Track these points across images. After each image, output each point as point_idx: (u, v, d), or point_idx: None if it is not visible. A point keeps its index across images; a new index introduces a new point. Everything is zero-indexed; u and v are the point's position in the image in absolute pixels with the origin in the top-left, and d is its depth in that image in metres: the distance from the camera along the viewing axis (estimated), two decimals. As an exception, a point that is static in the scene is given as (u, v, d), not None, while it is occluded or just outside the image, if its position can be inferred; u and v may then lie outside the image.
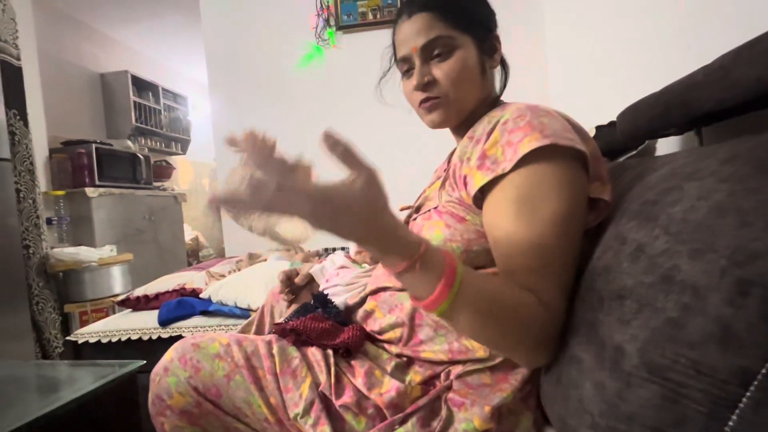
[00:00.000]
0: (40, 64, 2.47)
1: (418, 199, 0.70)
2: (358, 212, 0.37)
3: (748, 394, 0.27)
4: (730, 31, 0.70)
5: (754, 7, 0.65)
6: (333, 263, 0.87)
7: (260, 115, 2.19)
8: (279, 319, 0.87)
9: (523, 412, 0.56)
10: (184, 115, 4.17)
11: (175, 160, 4.13)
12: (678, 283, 0.33)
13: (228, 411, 0.58)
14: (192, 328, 1.26)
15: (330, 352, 0.60)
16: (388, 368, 0.59)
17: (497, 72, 0.69)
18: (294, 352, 0.61)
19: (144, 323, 1.30)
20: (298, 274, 0.87)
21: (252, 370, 0.59)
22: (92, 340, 1.29)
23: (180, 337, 1.23)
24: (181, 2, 3.02)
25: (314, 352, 0.61)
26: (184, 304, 1.33)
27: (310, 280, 0.87)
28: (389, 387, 0.56)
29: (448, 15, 0.60)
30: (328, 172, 0.37)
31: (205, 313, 1.32)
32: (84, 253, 2.23)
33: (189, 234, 3.89)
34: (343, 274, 0.78)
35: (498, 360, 0.55)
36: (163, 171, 3.72)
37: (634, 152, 0.87)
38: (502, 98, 0.69)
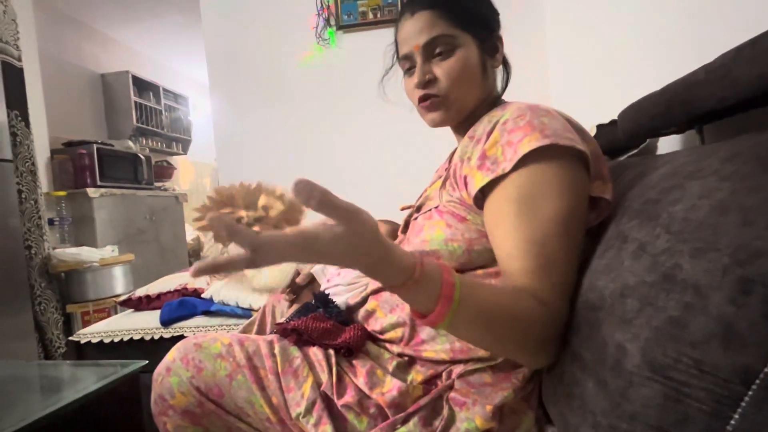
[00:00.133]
0: (41, 65, 2.47)
1: (419, 198, 0.70)
2: (347, 251, 0.37)
3: (750, 392, 0.27)
4: (731, 29, 0.70)
5: (755, 5, 0.65)
6: (334, 263, 0.87)
7: (260, 114, 2.19)
8: (280, 319, 0.87)
9: (524, 411, 0.56)
10: (184, 115, 4.18)
11: (176, 160, 4.13)
12: (680, 282, 0.33)
13: (230, 411, 0.58)
14: (194, 328, 1.26)
15: (331, 351, 0.61)
16: (390, 368, 0.59)
17: (499, 71, 0.69)
18: (295, 352, 0.61)
19: (146, 323, 1.30)
20: (299, 273, 0.87)
21: (254, 370, 0.59)
22: (94, 340, 1.29)
23: (182, 337, 1.24)
24: (181, 2, 3.03)
25: (316, 352, 0.61)
26: (185, 304, 1.34)
27: (312, 280, 0.87)
28: (391, 386, 0.56)
29: (450, 14, 0.60)
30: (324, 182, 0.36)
31: (207, 313, 1.32)
32: (86, 253, 2.24)
33: (190, 234, 3.90)
34: (344, 274, 0.79)
35: (500, 359, 0.55)
36: (164, 171, 3.73)
37: (635, 151, 0.86)
38: (503, 97, 0.69)
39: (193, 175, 4.53)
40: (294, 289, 0.86)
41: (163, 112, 3.81)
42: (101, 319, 1.82)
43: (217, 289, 1.35)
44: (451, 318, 0.41)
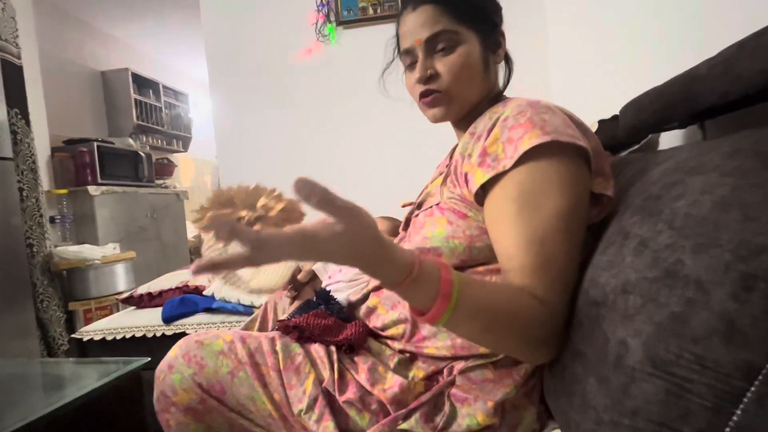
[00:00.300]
0: (41, 63, 2.47)
1: (420, 194, 0.70)
2: (345, 250, 0.37)
3: (752, 388, 0.27)
4: (733, 24, 0.69)
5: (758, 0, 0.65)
6: (335, 260, 0.87)
7: (261, 111, 2.19)
8: (282, 316, 0.88)
9: (526, 407, 0.57)
10: (185, 113, 4.18)
11: (176, 158, 4.14)
12: (682, 277, 0.33)
13: (232, 407, 0.59)
14: (195, 325, 1.27)
15: (333, 348, 0.61)
16: (391, 364, 0.59)
17: (500, 67, 0.68)
18: (297, 349, 0.61)
19: (148, 321, 1.31)
20: (300, 270, 0.88)
21: (256, 367, 0.59)
22: (97, 338, 1.30)
23: (184, 334, 1.24)
24: (180, 0, 3.01)
25: (317, 349, 0.61)
26: (187, 302, 1.34)
27: (313, 277, 0.87)
28: (392, 383, 0.57)
29: (453, 8, 0.60)
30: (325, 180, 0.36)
31: (209, 310, 1.33)
32: (87, 251, 2.25)
33: (191, 231, 3.90)
34: (345, 271, 0.79)
35: (501, 355, 0.56)
36: (165, 168, 3.73)
37: (636, 146, 0.86)
38: (504, 93, 0.69)
39: (194, 173, 4.53)
40: (295, 286, 0.86)
41: (164, 109, 3.81)
42: (103, 316, 1.83)
43: (219, 287, 1.35)
44: (449, 316, 0.41)
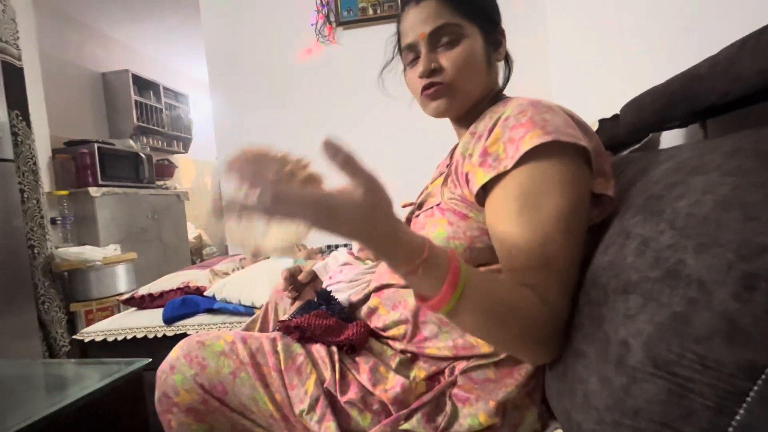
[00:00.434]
0: (41, 65, 2.47)
1: (420, 195, 0.70)
2: (359, 220, 0.37)
3: (755, 387, 0.27)
4: (734, 22, 0.69)
5: (760, -3, 0.65)
6: (336, 260, 0.87)
7: (261, 111, 2.19)
8: (283, 317, 0.88)
9: (528, 407, 0.57)
10: (185, 114, 4.18)
11: (177, 159, 4.14)
12: (684, 277, 0.33)
13: (234, 408, 0.59)
14: (197, 326, 1.27)
15: (334, 348, 0.61)
16: (393, 364, 0.59)
17: (500, 66, 0.68)
18: (298, 349, 0.61)
19: (149, 321, 1.31)
20: (301, 271, 0.88)
21: (257, 367, 0.59)
22: (98, 339, 1.30)
23: (185, 335, 1.24)
24: (180, 1, 3.02)
25: (318, 349, 0.61)
26: (188, 302, 1.34)
27: (314, 277, 0.87)
28: (394, 383, 0.57)
29: (456, 3, 0.60)
30: (332, 176, 0.37)
31: (210, 311, 1.33)
32: (88, 252, 2.25)
33: (192, 232, 3.91)
34: (346, 271, 0.79)
35: (502, 355, 0.56)
36: (166, 170, 3.73)
37: (637, 146, 0.86)
38: (504, 93, 0.69)
39: (194, 174, 4.54)
40: (296, 287, 0.86)
41: (164, 110, 3.81)
42: (105, 317, 1.83)
43: (220, 287, 1.35)
44: (454, 303, 0.41)
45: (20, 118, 2.08)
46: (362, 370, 0.58)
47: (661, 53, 0.94)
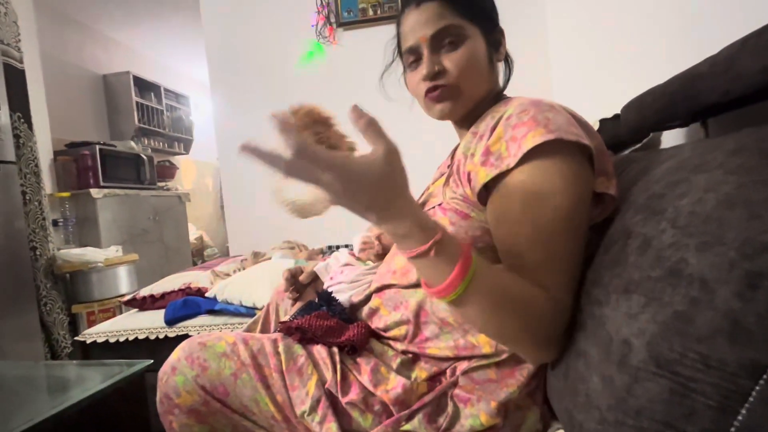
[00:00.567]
0: (42, 67, 2.48)
1: (422, 195, 0.70)
2: (380, 186, 0.38)
3: (758, 387, 0.27)
4: (735, 22, 0.69)
5: (760, -5, 0.64)
6: (337, 261, 0.87)
7: (262, 112, 2.18)
8: (284, 317, 0.88)
9: (529, 407, 0.56)
10: (186, 115, 4.18)
11: (178, 160, 4.14)
12: (686, 276, 0.32)
13: (235, 409, 0.59)
14: (198, 327, 1.27)
15: (335, 349, 0.61)
16: (394, 365, 0.59)
17: (500, 67, 0.68)
18: (300, 350, 0.61)
19: (151, 323, 1.31)
20: (302, 272, 0.88)
21: (258, 369, 0.59)
22: (100, 340, 1.30)
23: (186, 336, 1.24)
24: (181, 3, 3.02)
25: (320, 350, 0.61)
26: (189, 304, 1.34)
27: (315, 278, 0.87)
28: (395, 384, 0.57)
29: (457, 4, 0.60)
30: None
31: (211, 312, 1.33)
32: (90, 254, 2.25)
33: (193, 233, 3.91)
34: (347, 272, 0.79)
35: (504, 356, 0.55)
36: (167, 171, 3.73)
37: (639, 145, 0.86)
38: (505, 93, 0.69)
39: (195, 175, 4.54)
40: (297, 288, 0.86)
41: (165, 112, 3.82)
42: (106, 319, 1.83)
43: (221, 288, 1.35)
44: (465, 287, 0.41)
45: (22, 120, 2.08)
46: (363, 370, 0.58)
47: (662, 53, 0.94)
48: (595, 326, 0.42)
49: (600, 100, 1.30)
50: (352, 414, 0.56)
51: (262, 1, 2.18)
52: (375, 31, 2.08)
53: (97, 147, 2.69)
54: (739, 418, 0.28)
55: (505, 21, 0.67)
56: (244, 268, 1.63)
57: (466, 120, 0.64)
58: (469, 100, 0.62)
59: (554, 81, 1.93)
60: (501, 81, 0.69)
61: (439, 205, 0.59)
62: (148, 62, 3.93)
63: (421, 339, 0.59)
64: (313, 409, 0.56)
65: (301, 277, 0.86)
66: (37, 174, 2.13)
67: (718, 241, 0.31)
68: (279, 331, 0.65)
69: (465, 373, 0.56)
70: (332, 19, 2.12)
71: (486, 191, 0.52)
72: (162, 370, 0.61)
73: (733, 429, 0.28)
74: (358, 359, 0.60)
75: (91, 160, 2.67)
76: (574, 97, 1.59)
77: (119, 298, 2.19)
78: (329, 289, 0.75)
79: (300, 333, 0.63)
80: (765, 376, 0.27)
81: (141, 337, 1.28)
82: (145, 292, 1.49)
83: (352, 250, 0.90)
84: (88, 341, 1.31)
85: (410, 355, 0.60)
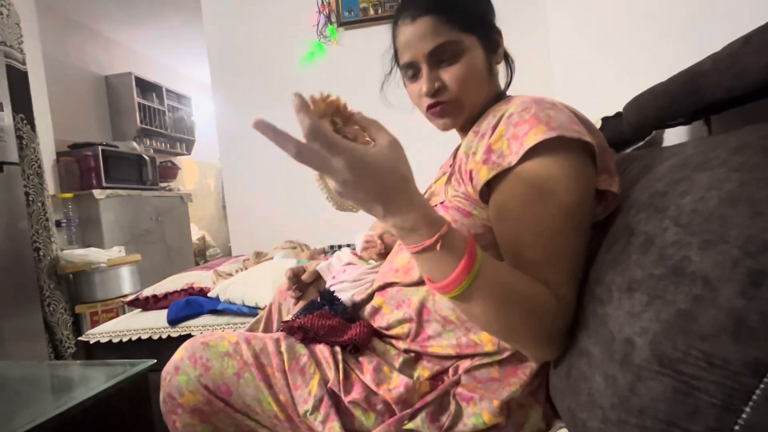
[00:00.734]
0: (45, 68, 2.49)
1: (424, 194, 0.70)
2: (389, 176, 0.38)
3: (761, 385, 0.27)
4: (737, 20, 0.69)
5: (763, -8, 0.64)
6: (339, 260, 0.87)
7: (263, 113, 2.17)
8: (287, 317, 0.88)
9: (532, 406, 0.56)
10: (188, 116, 4.19)
11: (180, 161, 4.15)
12: (689, 274, 0.32)
13: (238, 408, 0.59)
14: (201, 326, 1.27)
15: (338, 348, 0.61)
16: (396, 364, 0.59)
17: (501, 65, 0.68)
18: (302, 350, 0.61)
19: (154, 323, 1.31)
20: (304, 271, 0.88)
21: (261, 368, 0.59)
22: (103, 340, 1.30)
23: (189, 336, 1.24)
24: (182, 3, 3.03)
25: (322, 349, 0.61)
26: (192, 304, 1.34)
27: (317, 277, 0.87)
28: (398, 383, 0.57)
29: (452, 17, 0.58)
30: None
31: (214, 311, 1.33)
32: (93, 254, 2.26)
33: (196, 234, 3.92)
34: (349, 271, 0.79)
35: (506, 354, 0.55)
36: (169, 171, 3.74)
37: (641, 143, 0.85)
38: (507, 91, 0.68)
39: (197, 176, 4.55)
40: (300, 287, 0.86)
41: (167, 112, 3.83)
42: (109, 319, 1.84)
43: (223, 288, 1.36)
44: (470, 282, 0.41)
45: (25, 121, 2.09)
46: (366, 369, 0.58)
47: (664, 50, 0.93)
48: (598, 325, 0.42)
49: (602, 98, 1.29)
50: (355, 413, 0.56)
51: (263, 1, 2.19)
52: (376, 31, 2.08)
53: (100, 148, 2.70)
54: (743, 416, 0.28)
55: (506, 19, 0.66)
56: (246, 268, 1.63)
57: (468, 121, 0.64)
58: (471, 110, 0.62)
59: (556, 79, 1.92)
60: (502, 78, 0.69)
61: (441, 203, 0.59)
62: (149, 63, 3.94)
63: (423, 337, 0.59)
64: (316, 408, 0.56)
65: (304, 277, 0.86)
66: (40, 175, 2.14)
67: (721, 239, 0.31)
68: (281, 331, 0.65)
69: (467, 371, 0.56)
70: (333, 19, 2.12)
71: (488, 189, 0.52)
72: (165, 369, 0.61)
73: (737, 427, 0.28)
74: (361, 358, 0.60)
75: (94, 161, 2.68)
76: (576, 95, 1.59)
77: (122, 299, 2.20)
78: (331, 289, 0.75)
79: (302, 332, 0.63)
80: (769, 375, 0.27)
81: (144, 337, 1.28)
82: (147, 292, 1.50)
83: (354, 249, 0.90)
84: (92, 341, 1.31)
85: (413, 354, 0.60)
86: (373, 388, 0.57)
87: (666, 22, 0.92)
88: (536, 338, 0.46)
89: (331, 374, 0.58)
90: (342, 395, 0.56)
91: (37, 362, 1.72)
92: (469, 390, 0.56)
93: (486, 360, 0.56)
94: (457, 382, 0.57)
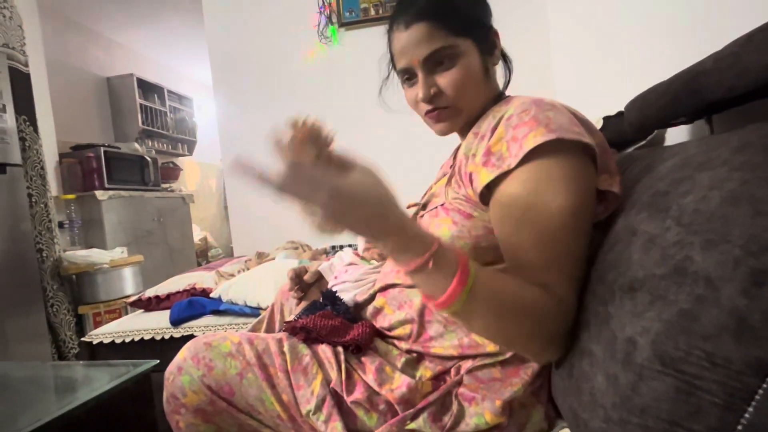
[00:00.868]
0: (47, 70, 2.50)
1: (425, 195, 0.70)
2: (374, 201, 0.39)
3: (764, 385, 0.27)
4: (740, 17, 0.69)
5: (765, -10, 0.64)
6: (341, 260, 0.88)
7: (265, 113, 2.20)
8: (289, 317, 0.88)
9: (534, 406, 0.56)
10: (189, 117, 4.20)
11: (181, 162, 4.16)
12: (691, 274, 0.32)
13: (241, 408, 0.59)
14: (203, 327, 1.27)
15: (340, 349, 0.61)
16: (399, 364, 0.59)
17: (500, 65, 0.68)
18: (305, 350, 0.61)
19: (156, 323, 1.32)
20: (306, 271, 0.88)
21: (264, 368, 0.59)
22: (106, 341, 1.31)
23: (192, 336, 1.25)
24: (183, 4, 3.04)
25: (324, 350, 0.61)
26: (194, 304, 1.35)
27: (319, 278, 0.87)
28: (400, 383, 0.57)
29: (446, 23, 0.58)
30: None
31: (216, 312, 1.33)
32: (96, 255, 2.27)
33: (198, 234, 3.93)
34: (351, 271, 0.79)
35: (508, 354, 0.55)
36: (171, 172, 3.75)
37: (643, 142, 0.85)
38: (506, 92, 0.68)
39: (199, 176, 4.56)
40: (302, 287, 0.87)
41: (168, 113, 3.83)
42: (112, 319, 1.84)
43: (226, 289, 1.36)
44: (465, 298, 0.41)
45: (27, 123, 2.10)
46: (368, 370, 0.58)
47: (665, 49, 0.93)
48: (600, 325, 0.42)
49: (603, 98, 1.29)
50: (357, 413, 0.56)
51: (264, 2, 2.19)
52: (377, 31, 2.08)
53: (102, 149, 2.71)
54: (746, 416, 0.28)
55: (506, 19, 0.66)
56: (248, 269, 1.63)
57: (466, 124, 0.64)
58: (469, 113, 0.62)
59: (556, 79, 1.92)
60: (501, 78, 0.69)
61: (442, 205, 0.59)
62: (150, 64, 3.95)
63: (425, 338, 0.59)
64: (318, 408, 0.56)
65: (306, 277, 0.87)
66: (42, 176, 2.15)
67: (723, 239, 0.31)
68: (284, 331, 0.65)
69: (469, 371, 0.56)
70: (334, 19, 2.12)
71: (488, 191, 0.52)
72: (168, 370, 0.61)
73: (740, 427, 0.28)
74: (363, 358, 0.60)
75: (96, 162, 2.68)
76: (577, 95, 1.59)
77: (125, 299, 2.20)
78: (333, 289, 0.75)
79: (305, 332, 0.63)
80: (771, 374, 0.27)
81: (147, 337, 1.29)
82: (150, 293, 1.50)
83: (356, 249, 0.90)
84: (95, 342, 1.32)
85: (415, 355, 0.60)
86: (376, 388, 0.57)
87: (667, 21, 0.92)
88: (537, 342, 0.47)
89: (333, 374, 0.58)
90: (344, 395, 0.57)
91: (40, 363, 1.73)
92: (471, 390, 0.56)
93: (488, 360, 0.56)
94: (460, 383, 0.57)
